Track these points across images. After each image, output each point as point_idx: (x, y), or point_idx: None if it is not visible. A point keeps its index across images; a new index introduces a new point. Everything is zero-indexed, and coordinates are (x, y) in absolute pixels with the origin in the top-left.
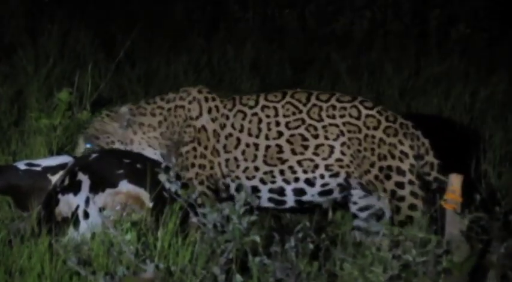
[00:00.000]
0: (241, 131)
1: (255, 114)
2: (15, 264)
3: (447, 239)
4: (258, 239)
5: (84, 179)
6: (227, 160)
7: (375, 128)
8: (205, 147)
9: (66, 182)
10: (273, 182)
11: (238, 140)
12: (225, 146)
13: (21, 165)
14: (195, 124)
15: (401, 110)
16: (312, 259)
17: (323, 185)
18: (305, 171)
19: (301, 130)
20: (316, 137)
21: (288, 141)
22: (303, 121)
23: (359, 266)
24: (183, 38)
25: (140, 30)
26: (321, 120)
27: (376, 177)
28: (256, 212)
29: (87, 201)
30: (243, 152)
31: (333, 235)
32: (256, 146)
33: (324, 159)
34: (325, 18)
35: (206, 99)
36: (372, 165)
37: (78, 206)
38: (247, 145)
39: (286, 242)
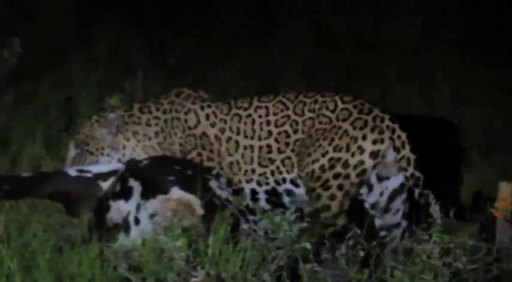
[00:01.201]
0: (238, 133)
1: (249, 115)
2: (65, 271)
3: (497, 247)
4: (308, 246)
5: (136, 185)
6: (231, 163)
7: (344, 120)
8: (211, 151)
9: (117, 188)
10: (267, 184)
11: (237, 142)
12: (227, 150)
13: (72, 172)
14: (194, 133)
15: (452, 117)
16: (363, 266)
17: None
18: (288, 171)
19: (286, 127)
20: (296, 132)
21: (275, 140)
22: (289, 117)
23: (409, 274)
24: (233, 44)
25: (190, 37)
26: (303, 114)
27: (322, 166)
28: (307, 219)
29: (138, 208)
30: (243, 155)
31: (384, 242)
32: (252, 147)
33: (297, 155)
34: (375, 25)
35: (202, 108)
36: (324, 154)
37: (129, 213)
38: (245, 147)
39: (336, 249)
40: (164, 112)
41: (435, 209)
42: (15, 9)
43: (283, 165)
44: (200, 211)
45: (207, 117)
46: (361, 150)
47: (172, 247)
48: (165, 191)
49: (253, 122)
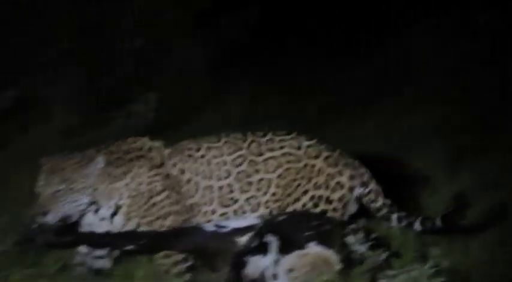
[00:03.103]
0: (197, 174)
1: (203, 156)
2: None
3: None
4: None
5: (273, 240)
6: (191, 205)
7: (316, 157)
8: (178, 193)
9: (255, 243)
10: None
11: (197, 184)
12: (188, 191)
13: (209, 227)
14: (161, 172)
15: None
16: None
17: None
18: (253, 210)
19: (245, 166)
20: (257, 171)
21: (236, 179)
22: (245, 157)
23: None
24: (370, 102)
25: (326, 95)
26: (261, 154)
27: (304, 205)
28: (444, 274)
29: (275, 263)
30: (203, 196)
31: None
32: (211, 188)
33: (264, 194)
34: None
35: (165, 146)
36: (305, 192)
37: (266, 268)
38: (205, 188)
39: None
40: (126, 152)
41: None
42: (151, 65)
43: (248, 204)
44: (337, 266)
45: (169, 157)
46: (341, 186)
47: None
48: (303, 246)
49: (209, 162)
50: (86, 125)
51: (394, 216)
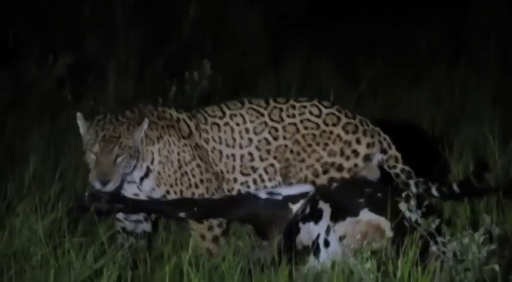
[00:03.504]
0: (220, 143)
1: (227, 124)
2: None
3: None
4: (497, 268)
5: (325, 207)
6: (217, 173)
7: (334, 125)
8: (206, 163)
9: (307, 210)
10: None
11: (221, 152)
12: (213, 160)
13: (262, 194)
14: (190, 143)
15: None
16: None
17: None
18: (270, 179)
19: (265, 134)
20: (276, 138)
21: (256, 147)
22: (266, 124)
23: None
24: (425, 68)
25: (383, 60)
26: (282, 120)
27: (315, 171)
28: (495, 241)
29: (327, 230)
30: (225, 164)
31: None
32: (234, 156)
33: (279, 162)
34: None
35: (190, 118)
36: (318, 160)
37: (318, 235)
38: (227, 156)
39: None
40: (159, 118)
41: None
42: (206, 32)
43: (266, 173)
44: (390, 233)
45: (196, 127)
46: (356, 154)
47: (362, 269)
48: (355, 213)
49: (232, 130)
50: (141, 92)
51: (412, 182)
